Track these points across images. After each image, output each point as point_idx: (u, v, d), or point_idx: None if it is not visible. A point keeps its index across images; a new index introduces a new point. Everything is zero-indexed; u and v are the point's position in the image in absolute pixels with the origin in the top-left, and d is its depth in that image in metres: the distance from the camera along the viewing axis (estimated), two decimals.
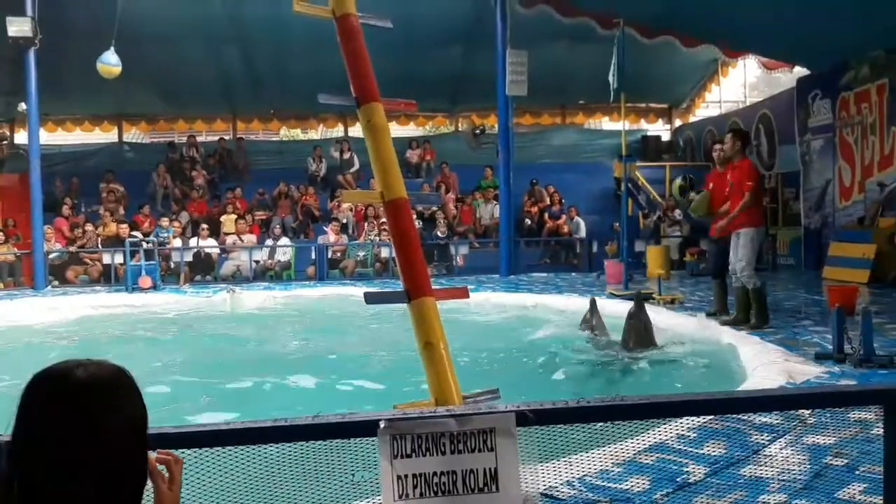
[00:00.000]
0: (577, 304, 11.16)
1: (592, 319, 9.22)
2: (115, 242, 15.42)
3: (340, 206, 17.26)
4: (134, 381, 1.42)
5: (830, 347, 6.58)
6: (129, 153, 21.48)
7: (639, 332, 8.05)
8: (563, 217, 17.44)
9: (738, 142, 8.57)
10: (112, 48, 14.59)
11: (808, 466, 3.88)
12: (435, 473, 2.26)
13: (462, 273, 15.77)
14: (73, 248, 15.73)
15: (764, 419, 4.43)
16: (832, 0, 11.33)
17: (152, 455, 1.54)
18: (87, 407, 1.32)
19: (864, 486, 3.55)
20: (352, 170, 18.95)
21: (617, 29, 12.41)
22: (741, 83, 22.43)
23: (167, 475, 1.58)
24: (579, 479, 3.63)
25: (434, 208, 17.34)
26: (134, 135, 24.21)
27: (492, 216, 17.46)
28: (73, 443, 1.29)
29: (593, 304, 9.48)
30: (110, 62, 14.73)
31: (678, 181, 12.05)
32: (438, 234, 16.74)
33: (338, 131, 23.34)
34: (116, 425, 1.34)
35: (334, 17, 4.62)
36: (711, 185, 8.92)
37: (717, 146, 9.04)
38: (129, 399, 1.39)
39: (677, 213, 16.49)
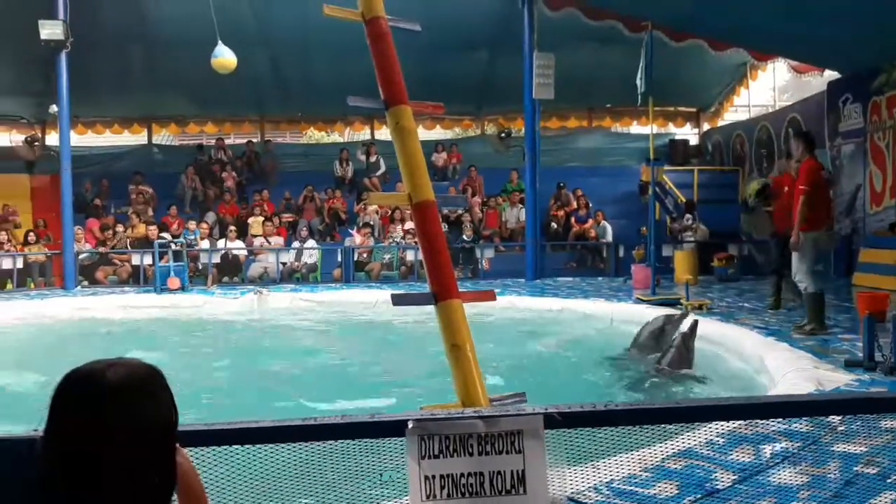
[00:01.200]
0: (603, 308, 11.14)
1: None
2: (143, 244, 15.58)
3: (366, 209, 17.32)
4: (165, 380, 1.43)
5: (860, 355, 6.51)
6: (158, 155, 21.69)
7: (681, 353, 7.48)
8: (590, 221, 17.35)
9: (801, 143, 8.61)
10: (220, 42, 14.11)
11: (839, 475, 3.84)
12: (462, 475, 2.27)
13: (487, 277, 15.75)
14: (102, 249, 15.91)
15: (793, 426, 4.39)
16: (863, 5, 11.19)
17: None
18: (115, 408, 1.32)
19: None
20: (378, 173, 19.01)
21: (645, 32, 12.35)
22: (770, 87, 22.20)
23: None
24: (606, 483, 3.62)
25: (460, 211, 17.35)
26: (163, 137, 24.45)
27: (518, 220, 17.43)
28: (101, 442, 1.30)
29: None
30: (224, 55, 14.14)
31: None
32: (464, 237, 16.74)
33: (364, 134, 23.43)
34: (145, 426, 1.35)
35: (364, 20, 4.65)
36: (786, 188, 8.94)
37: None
38: (159, 399, 1.39)
39: (687, 219, 16.33)
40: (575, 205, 18.00)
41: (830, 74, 16.56)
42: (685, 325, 7.81)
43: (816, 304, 8.25)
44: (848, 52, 13.64)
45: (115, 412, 1.32)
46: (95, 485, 1.30)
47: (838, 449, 4.18)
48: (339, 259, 16.04)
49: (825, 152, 15.55)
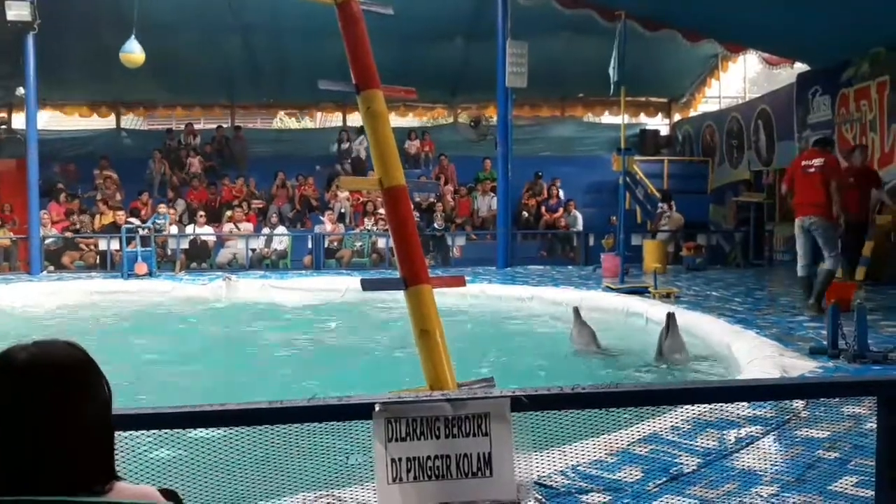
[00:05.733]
0: (572, 296, 11.19)
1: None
2: (111, 229, 15.40)
3: (338, 196, 17.25)
4: (90, 361, 1.43)
5: (825, 343, 6.60)
6: (126, 140, 21.38)
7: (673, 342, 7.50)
8: (561, 210, 17.45)
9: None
10: (133, 36, 14.29)
11: (801, 459, 3.90)
12: (429, 457, 2.27)
13: (458, 264, 15.76)
14: (68, 234, 15.70)
15: (757, 412, 4.45)
16: None
17: None
18: (29, 390, 1.33)
19: (857, 479, 3.57)
20: (350, 159, 18.93)
21: (618, 21, 12.39)
22: (741, 78, 22.38)
23: None
24: (573, 467, 3.65)
25: (432, 199, 17.34)
26: (132, 121, 24.11)
27: (489, 208, 17.45)
28: (20, 426, 1.32)
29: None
30: (133, 51, 14.43)
31: None
32: (436, 225, 16.74)
33: (336, 120, 23.29)
34: (66, 406, 1.35)
35: (336, 3, 4.62)
36: (851, 179, 10.43)
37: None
38: (83, 380, 1.40)
39: (661, 207, 16.49)
40: (546, 194, 18.07)
41: (800, 67, 16.74)
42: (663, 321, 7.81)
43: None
44: (817, 44, 13.79)
45: (28, 393, 1.33)
46: (26, 465, 1.32)
47: (801, 434, 4.25)
48: (310, 246, 15.97)
49: (793, 144, 15.73)
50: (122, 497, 1.39)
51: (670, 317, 7.55)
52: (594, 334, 8.17)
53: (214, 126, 21.58)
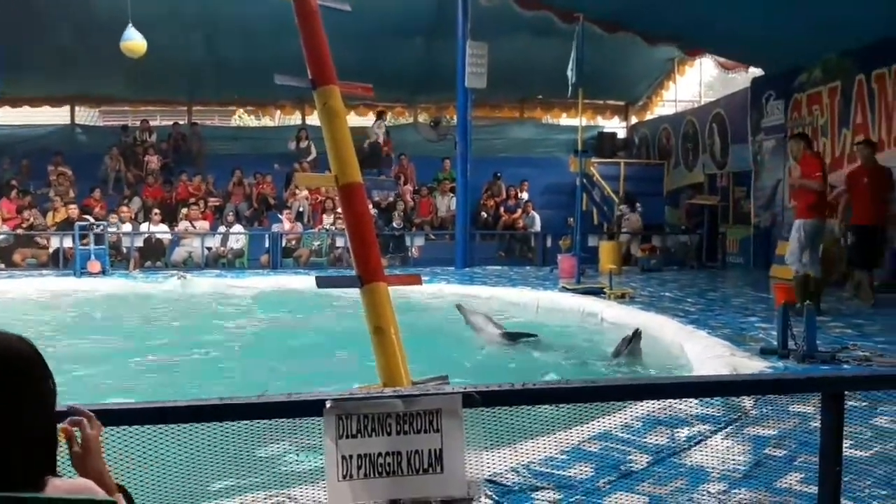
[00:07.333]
0: (529, 296, 11.30)
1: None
2: (66, 226, 15.11)
3: (297, 195, 17.13)
4: (38, 355, 1.44)
5: (775, 343, 6.72)
6: (81, 136, 21.01)
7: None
8: (519, 211, 17.54)
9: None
10: (130, 24, 13.56)
11: (749, 457, 3.97)
12: (380, 454, 2.27)
13: (417, 264, 15.74)
14: (20, 231, 15.37)
15: (708, 410, 4.51)
16: (789, 2, 11.51)
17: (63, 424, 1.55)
18: None
19: (802, 475, 3.64)
20: (309, 158, 18.79)
21: (577, 23, 12.48)
22: (697, 82, 22.71)
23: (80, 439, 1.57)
24: (525, 465, 3.67)
25: (391, 199, 17.31)
26: (87, 115, 23.69)
27: (448, 208, 17.47)
28: None
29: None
30: (133, 38, 13.62)
31: None
32: (395, 224, 16.71)
33: (295, 119, 23.13)
34: (11, 399, 1.36)
35: None
36: (865, 179, 9.78)
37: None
38: (29, 374, 1.41)
39: (623, 208, 16.70)
40: (505, 194, 18.16)
41: (755, 71, 17.04)
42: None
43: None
44: (772, 50, 14.04)
45: None
46: None
47: (750, 432, 4.32)
48: (267, 245, 15.84)
49: (747, 147, 16.01)
50: (59, 492, 1.37)
51: (637, 333, 7.47)
52: (488, 317, 8.60)
53: (171, 123, 21.30)
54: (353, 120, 20.39)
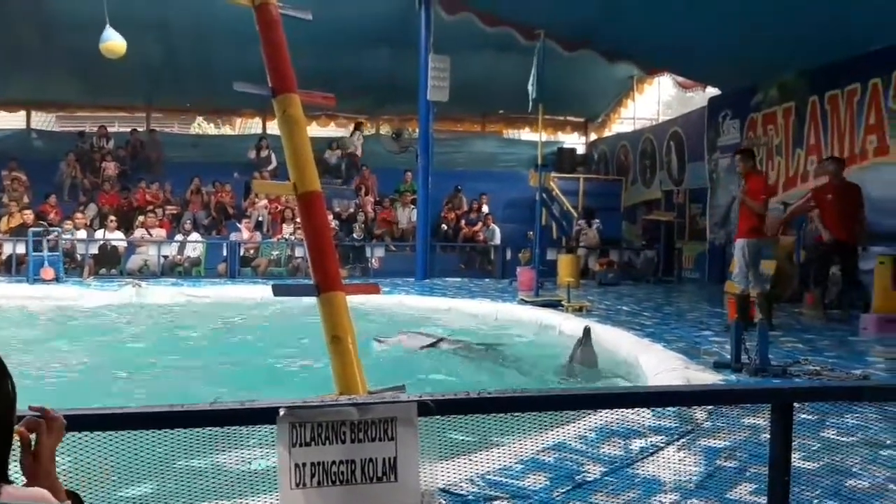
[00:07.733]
0: (488, 308, 11.33)
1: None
2: (20, 232, 14.80)
3: (255, 204, 17.00)
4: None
5: (729, 357, 6.82)
6: (36, 141, 20.66)
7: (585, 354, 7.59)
8: (480, 224, 17.62)
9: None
10: (108, 25, 13.16)
11: (702, 468, 4.01)
12: (334, 462, 2.26)
13: (377, 275, 15.71)
14: None
15: (661, 421, 4.56)
16: (746, 24, 11.74)
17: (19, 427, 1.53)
18: None
19: (753, 486, 3.69)
20: (269, 167, 18.69)
21: (538, 40, 12.61)
22: (656, 101, 23.06)
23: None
24: (480, 475, 3.67)
25: (351, 209, 17.27)
26: (43, 121, 23.30)
27: (409, 220, 17.49)
28: None
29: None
30: (111, 38, 13.13)
31: None
32: (355, 235, 16.67)
33: (255, 126, 22.98)
34: None
35: (253, 6, 4.57)
36: (829, 196, 9.86)
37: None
38: None
39: (582, 223, 16.87)
40: (467, 207, 18.23)
41: (712, 91, 17.35)
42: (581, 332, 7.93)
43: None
44: (729, 70, 14.32)
45: None
46: None
47: (702, 443, 4.37)
48: (225, 254, 15.68)
49: (703, 165, 16.27)
50: (13, 499, 1.34)
51: (586, 330, 7.65)
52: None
53: (129, 129, 21.03)
54: (314, 131, 20.36)
